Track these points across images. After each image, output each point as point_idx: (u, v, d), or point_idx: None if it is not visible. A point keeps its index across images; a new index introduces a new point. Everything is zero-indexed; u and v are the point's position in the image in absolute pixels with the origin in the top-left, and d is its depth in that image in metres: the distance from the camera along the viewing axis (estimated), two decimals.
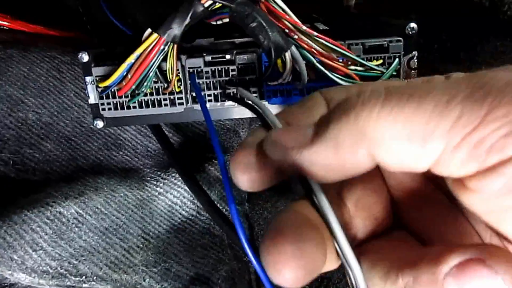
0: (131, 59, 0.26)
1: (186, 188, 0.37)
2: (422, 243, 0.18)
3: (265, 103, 0.29)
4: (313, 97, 0.18)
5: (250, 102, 0.20)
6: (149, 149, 0.39)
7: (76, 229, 0.31)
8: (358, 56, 0.27)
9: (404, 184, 0.18)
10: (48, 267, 0.29)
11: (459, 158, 0.13)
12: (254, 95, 0.28)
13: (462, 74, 0.15)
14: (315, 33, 0.26)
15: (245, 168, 0.16)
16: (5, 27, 0.40)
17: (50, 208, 0.30)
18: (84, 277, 0.30)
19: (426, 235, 0.18)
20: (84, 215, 0.32)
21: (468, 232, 0.17)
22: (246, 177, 0.16)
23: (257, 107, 0.19)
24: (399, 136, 0.13)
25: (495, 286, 0.12)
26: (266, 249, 0.14)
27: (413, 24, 0.28)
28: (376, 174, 0.18)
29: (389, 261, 0.16)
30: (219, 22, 0.27)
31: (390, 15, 0.42)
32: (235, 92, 0.28)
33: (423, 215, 0.18)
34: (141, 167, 0.38)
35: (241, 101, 0.23)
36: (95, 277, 0.30)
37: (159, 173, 0.37)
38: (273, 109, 0.30)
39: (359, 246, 0.18)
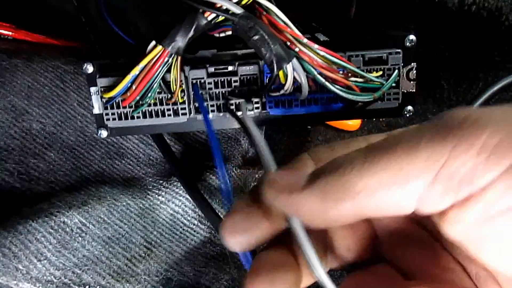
0: (135, 70, 0.26)
1: (188, 197, 0.37)
2: (405, 277, 0.19)
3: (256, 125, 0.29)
4: (301, 158, 0.20)
5: (249, 130, 0.21)
6: (151, 157, 0.39)
7: (80, 238, 0.31)
8: (358, 67, 0.27)
9: (387, 223, 0.20)
10: (52, 276, 0.29)
11: (437, 193, 0.14)
12: (253, 110, 0.29)
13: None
14: (316, 46, 0.26)
15: (233, 231, 0.18)
16: (9, 37, 0.41)
17: (54, 217, 0.30)
18: (87, 286, 0.30)
19: (409, 270, 0.19)
20: (88, 225, 0.32)
21: (451, 268, 0.18)
22: (233, 240, 0.18)
23: (254, 140, 0.20)
24: (379, 185, 0.15)
25: None
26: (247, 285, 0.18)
27: (412, 36, 0.28)
28: None
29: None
30: (222, 35, 0.27)
31: (389, 25, 0.43)
32: (237, 103, 0.28)
33: (406, 251, 0.19)
34: (143, 176, 0.38)
35: (239, 121, 0.23)
36: (98, 287, 0.30)
37: (161, 181, 0.38)
38: (275, 120, 0.30)
39: (341, 277, 0.19)
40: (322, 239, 0.20)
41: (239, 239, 0.18)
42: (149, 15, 0.41)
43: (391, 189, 0.15)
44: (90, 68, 0.29)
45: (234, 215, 0.18)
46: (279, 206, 0.17)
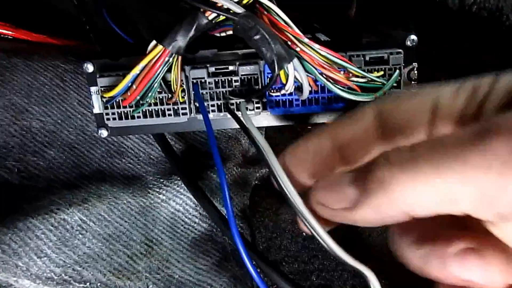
0: (136, 70, 0.26)
1: (189, 195, 0.37)
2: None
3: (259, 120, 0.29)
4: (362, 107, 0.20)
5: (248, 131, 0.22)
6: (151, 156, 0.39)
7: (80, 236, 0.31)
8: (359, 67, 0.28)
9: None
10: (52, 273, 0.29)
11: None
12: (254, 110, 0.29)
13: None
14: (317, 45, 0.26)
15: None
16: (9, 36, 0.41)
17: (54, 215, 0.30)
18: (88, 283, 0.30)
19: None
20: (88, 222, 0.32)
21: None
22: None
23: (255, 141, 0.21)
24: (428, 202, 0.15)
25: None
26: None
27: (413, 36, 0.28)
28: None
29: None
30: (222, 34, 0.27)
31: (389, 24, 0.43)
32: (238, 103, 0.28)
33: None
34: (144, 174, 0.38)
35: (238, 122, 0.23)
36: (99, 284, 0.30)
37: (161, 180, 0.38)
38: (275, 119, 0.30)
39: None
40: None
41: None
42: (148, 14, 0.41)
43: (441, 206, 0.15)
44: (90, 68, 0.29)
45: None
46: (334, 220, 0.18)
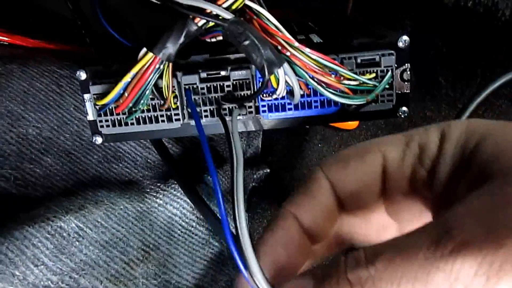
0: (127, 77, 0.26)
1: (186, 199, 0.37)
2: None
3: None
4: (316, 178, 0.19)
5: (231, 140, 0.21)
6: (148, 160, 0.39)
7: (77, 243, 0.31)
8: (351, 70, 0.27)
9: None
10: (49, 281, 0.29)
11: None
12: (247, 115, 0.29)
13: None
14: (308, 49, 0.26)
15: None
16: (4, 43, 0.41)
17: (50, 223, 0.31)
18: None
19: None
20: (85, 229, 0.32)
21: None
22: None
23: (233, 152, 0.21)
24: None
25: None
26: None
27: (405, 37, 0.28)
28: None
29: None
30: (213, 40, 0.27)
31: (384, 23, 0.43)
32: (230, 108, 0.28)
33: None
34: (141, 179, 0.38)
35: (226, 130, 0.23)
36: None
37: (158, 184, 0.38)
38: (268, 124, 0.30)
39: None
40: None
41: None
42: (146, 16, 0.41)
43: None
44: (83, 75, 0.29)
45: None
46: None
